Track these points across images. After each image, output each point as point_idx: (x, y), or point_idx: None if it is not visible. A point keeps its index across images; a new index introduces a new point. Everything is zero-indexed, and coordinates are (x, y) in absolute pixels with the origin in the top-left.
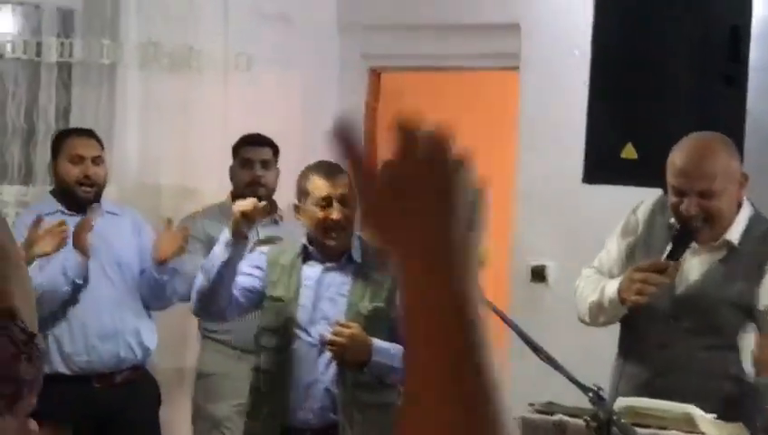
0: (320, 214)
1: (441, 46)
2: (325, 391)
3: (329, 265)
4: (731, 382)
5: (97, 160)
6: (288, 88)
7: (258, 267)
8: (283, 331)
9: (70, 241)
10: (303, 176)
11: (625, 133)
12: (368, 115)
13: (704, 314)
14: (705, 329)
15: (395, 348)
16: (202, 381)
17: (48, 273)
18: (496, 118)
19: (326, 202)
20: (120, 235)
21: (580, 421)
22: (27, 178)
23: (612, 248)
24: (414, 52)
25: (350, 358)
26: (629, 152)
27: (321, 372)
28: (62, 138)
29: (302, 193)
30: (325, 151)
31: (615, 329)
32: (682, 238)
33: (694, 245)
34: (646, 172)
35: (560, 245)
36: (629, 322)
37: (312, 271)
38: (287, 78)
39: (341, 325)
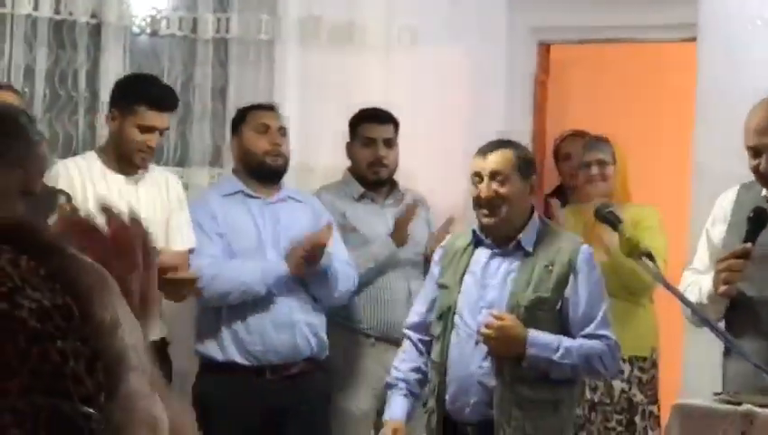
0: (473, 191)
1: (613, 17)
2: (481, 385)
3: (496, 250)
4: None
5: (282, 131)
6: (453, 64)
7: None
8: (446, 318)
9: (266, 233)
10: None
11: None
12: (537, 89)
13: None
14: None
15: (557, 341)
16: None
17: (246, 270)
18: (672, 92)
19: (478, 178)
20: (300, 223)
21: None
22: (183, 159)
23: (703, 242)
24: (584, 24)
25: (502, 350)
26: None
27: (478, 364)
28: (244, 112)
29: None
30: (493, 131)
31: None
32: (758, 219)
33: None
34: None
35: None
36: (734, 308)
37: (480, 257)
38: (453, 53)
39: (494, 316)
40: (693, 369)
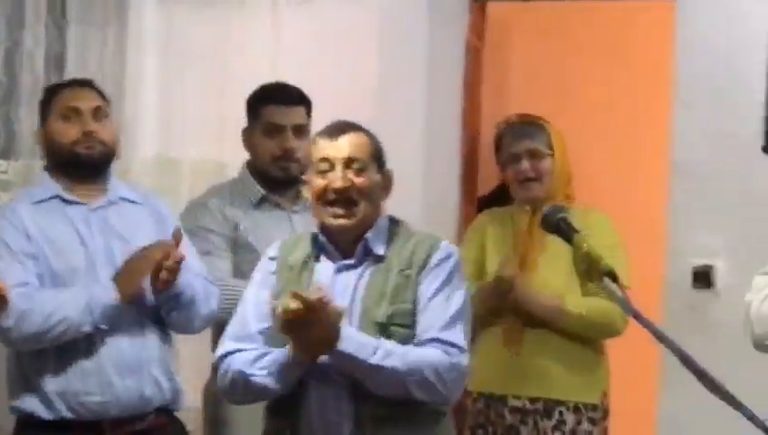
0: (316, 183)
1: None
2: (339, 432)
3: (343, 262)
4: None
5: (98, 114)
6: (359, 25)
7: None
8: None
9: (95, 247)
10: (311, 140)
11: None
12: (469, 58)
13: None
14: None
15: (378, 341)
16: (218, 431)
17: (66, 301)
18: (644, 65)
19: (326, 165)
20: (141, 230)
21: None
22: (7, 149)
23: None
24: None
25: (305, 339)
26: None
27: (333, 405)
28: (51, 92)
29: (308, 163)
30: (412, 109)
31: None
32: None
33: None
34: None
35: (731, 237)
36: None
37: (324, 272)
38: (357, 11)
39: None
40: (669, 424)
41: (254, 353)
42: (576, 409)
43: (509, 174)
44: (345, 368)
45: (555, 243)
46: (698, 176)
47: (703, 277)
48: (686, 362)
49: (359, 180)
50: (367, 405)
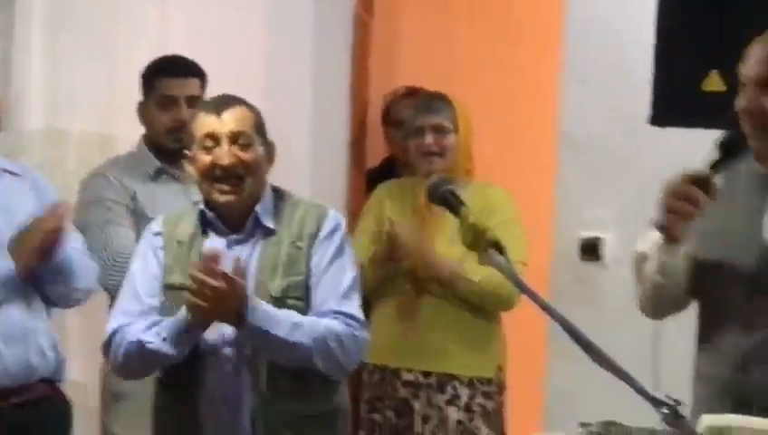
0: (202, 159)
1: None
2: (242, 408)
3: (233, 236)
4: None
5: None
6: (246, 1)
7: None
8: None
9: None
10: (193, 115)
11: (709, 58)
12: (357, 32)
13: None
14: None
15: (285, 314)
16: (116, 404)
17: None
18: (534, 38)
19: (211, 141)
20: (23, 203)
21: None
22: None
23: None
24: None
25: (213, 307)
26: (714, 83)
27: (232, 380)
28: None
29: (191, 137)
30: (301, 82)
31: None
32: (729, 145)
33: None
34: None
35: (618, 210)
36: (705, 300)
37: (213, 247)
38: None
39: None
40: (558, 396)
41: (147, 323)
42: (470, 383)
43: (411, 146)
44: (254, 340)
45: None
46: (586, 149)
47: (590, 249)
48: (573, 334)
49: (245, 156)
50: (266, 378)
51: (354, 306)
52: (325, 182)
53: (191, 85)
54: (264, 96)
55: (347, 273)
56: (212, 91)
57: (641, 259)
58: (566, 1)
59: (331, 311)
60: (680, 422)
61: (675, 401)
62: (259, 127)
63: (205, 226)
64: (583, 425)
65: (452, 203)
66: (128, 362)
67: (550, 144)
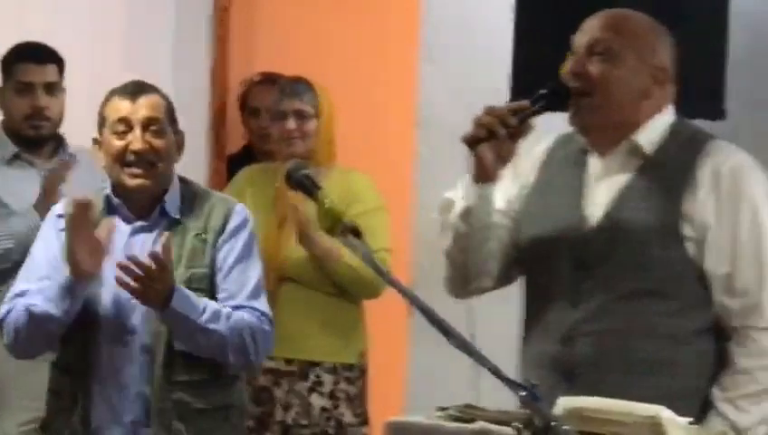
0: (115, 144)
1: None
2: (137, 397)
3: (138, 224)
4: (666, 342)
5: None
6: None
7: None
8: (85, 316)
9: None
10: (105, 99)
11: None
12: (216, 17)
13: (621, 253)
14: (625, 274)
15: (204, 302)
16: None
17: None
18: (392, 22)
19: (124, 126)
20: None
21: (508, 430)
22: None
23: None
24: None
25: (141, 292)
26: None
27: (128, 369)
28: None
29: (101, 121)
30: (160, 67)
31: None
32: (554, 92)
33: (596, 168)
34: None
35: None
36: (531, 276)
37: (118, 233)
38: None
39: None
40: (419, 380)
41: (35, 293)
42: (334, 369)
43: (274, 131)
44: (173, 325)
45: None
46: (446, 131)
47: None
48: (431, 318)
49: (158, 142)
50: (163, 369)
51: (263, 303)
52: (186, 168)
53: (49, 72)
54: (121, 82)
55: (254, 270)
56: (72, 76)
57: (447, 207)
58: None
59: (241, 306)
60: (537, 405)
61: (532, 384)
62: (171, 115)
63: (110, 211)
64: (441, 408)
65: (308, 187)
66: (18, 334)
67: (410, 127)
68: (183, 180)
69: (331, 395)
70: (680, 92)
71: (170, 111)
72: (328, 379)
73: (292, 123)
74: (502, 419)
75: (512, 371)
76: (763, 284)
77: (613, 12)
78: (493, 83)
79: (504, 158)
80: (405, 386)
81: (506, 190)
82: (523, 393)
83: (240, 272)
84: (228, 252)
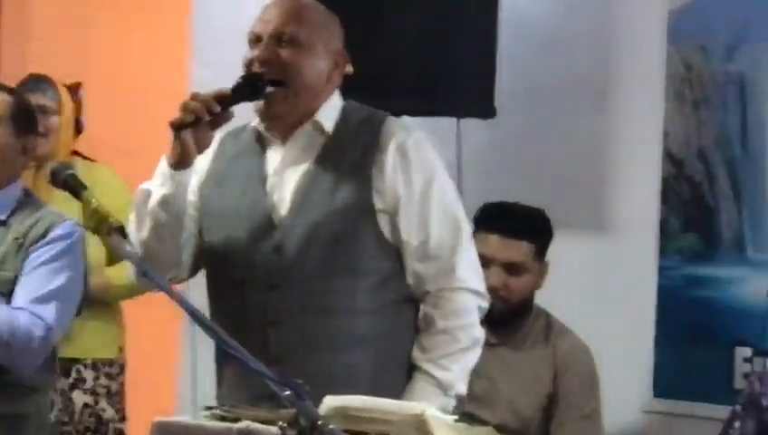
0: None
1: None
2: None
3: None
4: (367, 316)
5: None
6: None
7: None
8: None
9: None
10: None
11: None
12: None
13: (315, 235)
14: (320, 254)
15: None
16: None
17: None
18: (164, 25)
19: None
20: None
21: (274, 429)
22: None
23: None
24: None
25: None
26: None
27: None
28: None
29: None
30: None
31: None
32: (249, 81)
33: (277, 150)
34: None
35: None
36: (218, 270)
37: None
38: None
39: None
40: (188, 379)
41: None
42: (94, 365)
43: None
44: None
45: (65, 199)
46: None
47: None
48: (195, 317)
49: None
50: None
51: (48, 310)
52: None
53: None
54: None
55: (59, 279)
56: None
57: (144, 198)
58: None
59: (20, 307)
60: (302, 404)
61: (298, 383)
62: (15, 115)
63: None
64: (208, 408)
65: (74, 187)
66: None
67: None
68: (27, 192)
69: (93, 391)
70: (452, 92)
71: (14, 113)
72: (89, 375)
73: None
74: (268, 418)
75: None
76: (454, 248)
77: (293, 1)
78: None
79: (202, 145)
80: (176, 385)
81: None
82: (287, 392)
83: (39, 276)
84: (36, 257)
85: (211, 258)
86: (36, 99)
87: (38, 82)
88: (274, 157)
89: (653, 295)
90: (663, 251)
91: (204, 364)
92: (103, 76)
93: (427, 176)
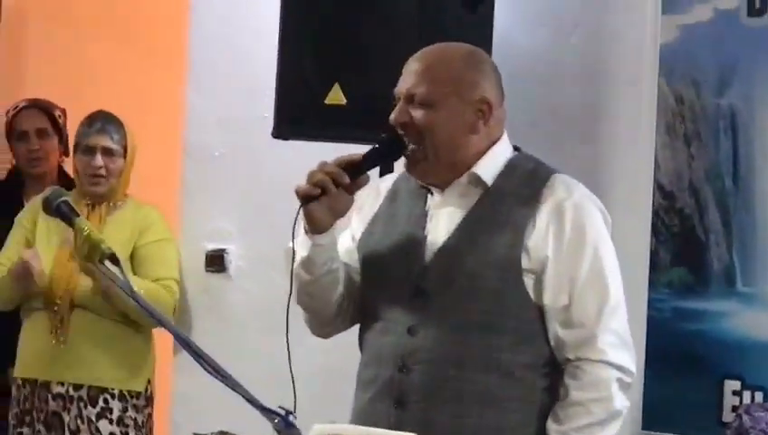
0: None
1: None
2: None
3: None
4: (498, 376)
5: None
6: None
7: None
8: None
9: None
10: None
11: (332, 71)
12: None
13: (458, 284)
14: (461, 305)
15: None
16: None
17: None
18: (161, 50)
19: None
20: None
21: None
22: None
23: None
24: None
25: None
26: (336, 97)
27: None
28: None
29: None
30: None
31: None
32: (389, 144)
33: (437, 196)
34: (358, 122)
35: (242, 221)
36: (366, 305)
37: None
38: None
39: None
40: (182, 405)
41: None
42: (121, 396)
43: (79, 164)
44: None
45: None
46: (210, 160)
47: (216, 261)
48: (187, 346)
49: None
50: None
51: None
52: None
53: None
54: None
55: None
56: None
57: (289, 256)
58: (189, 12)
59: None
60: (290, 431)
61: (286, 411)
62: None
63: None
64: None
65: (66, 214)
66: None
67: (176, 156)
68: None
69: (120, 421)
70: None
71: None
72: (116, 405)
73: (99, 160)
74: None
75: None
76: (599, 317)
77: (429, 56)
78: (257, 112)
79: (338, 211)
80: (168, 411)
81: (354, 231)
82: (276, 420)
83: None
84: None
85: (362, 292)
86: (105, 142)
87: (107, 122)
88: (436, 199)
89: (642, 328)
90: (652, 284)
91: (198, 393)
92: (98, 100)
93: (580, 238)
